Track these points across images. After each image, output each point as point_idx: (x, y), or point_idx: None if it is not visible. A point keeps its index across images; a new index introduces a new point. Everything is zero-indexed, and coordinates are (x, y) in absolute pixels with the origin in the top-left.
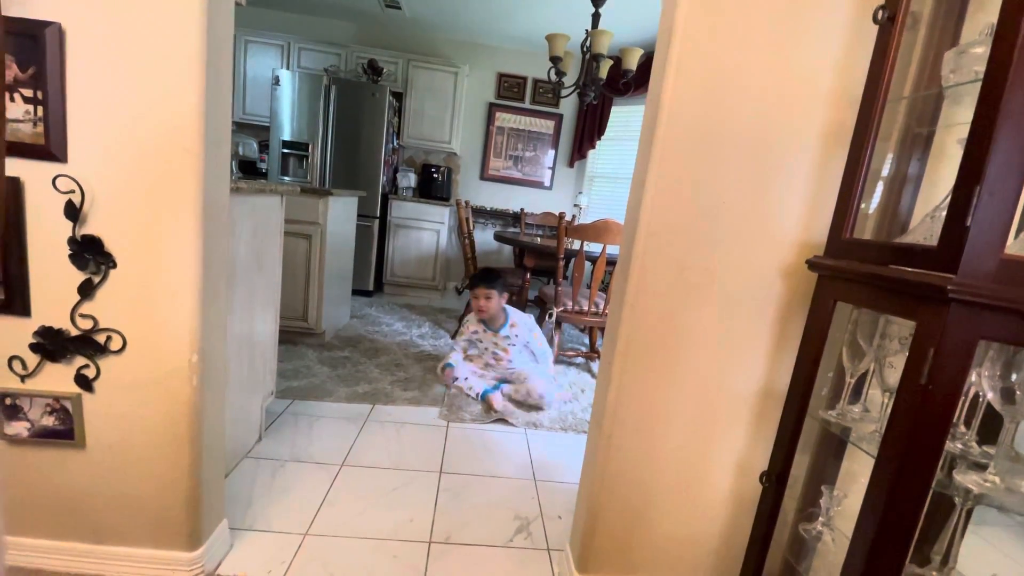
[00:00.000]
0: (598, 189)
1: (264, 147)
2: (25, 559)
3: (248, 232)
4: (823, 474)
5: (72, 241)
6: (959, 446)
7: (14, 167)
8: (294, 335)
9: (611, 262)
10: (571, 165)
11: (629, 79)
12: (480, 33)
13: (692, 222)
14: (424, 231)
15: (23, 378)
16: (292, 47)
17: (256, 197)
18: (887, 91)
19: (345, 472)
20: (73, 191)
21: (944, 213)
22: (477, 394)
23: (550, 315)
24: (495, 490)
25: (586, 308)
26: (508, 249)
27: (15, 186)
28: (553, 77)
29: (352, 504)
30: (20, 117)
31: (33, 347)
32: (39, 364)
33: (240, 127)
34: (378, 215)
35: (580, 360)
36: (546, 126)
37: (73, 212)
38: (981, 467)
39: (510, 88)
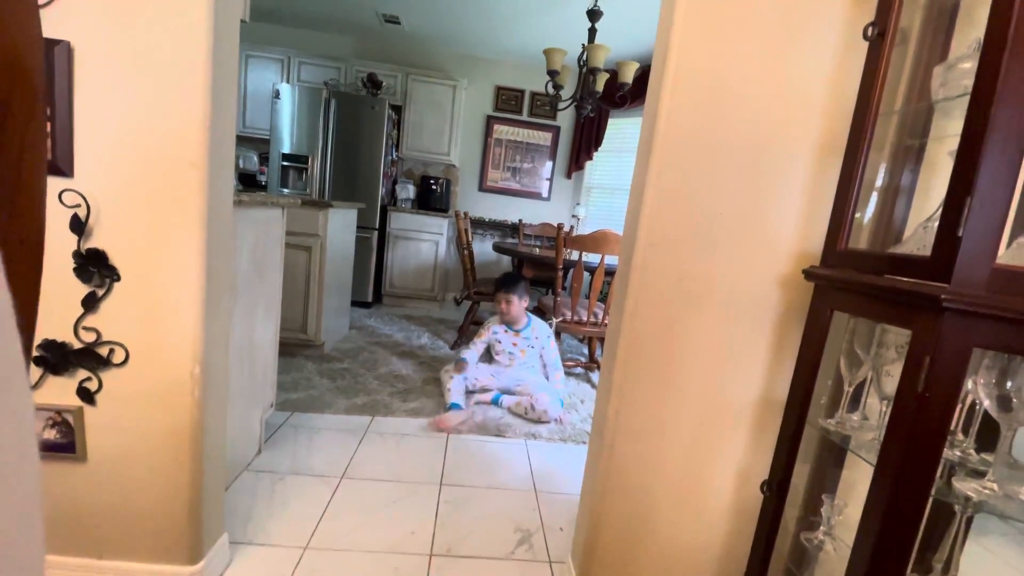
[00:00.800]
0: (596, 200)
1: (264, 160)
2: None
3: (249, 244)
4: (824, 483)
5: (77, 255)
6: (957, 454)
7: None
8: (294, 347)
9: (609, 272)
10: (569, 176)
11: (625, 92)
12: (478, 47)
13: (690, 232)
14: (423, 242)
15: None
16: (292, 61)
17: (257, 210)
18: (878, 105)
19: (345, 484)
20: (79, 205)
21: (937, 224)
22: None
23: (549, 325)
24: (496, 502)
25: (585, 318)
26: (507, 260)
27: None
28: (550, 90)
29: (352, 517)
30: None
31: (36, 360)
32: (42, 377)
33: (240, 140)
34: (377, 227)
35: (579, 370)
36: (544, 138)
37: (79, 226)
38: (980, 474)
39: (508, 101)
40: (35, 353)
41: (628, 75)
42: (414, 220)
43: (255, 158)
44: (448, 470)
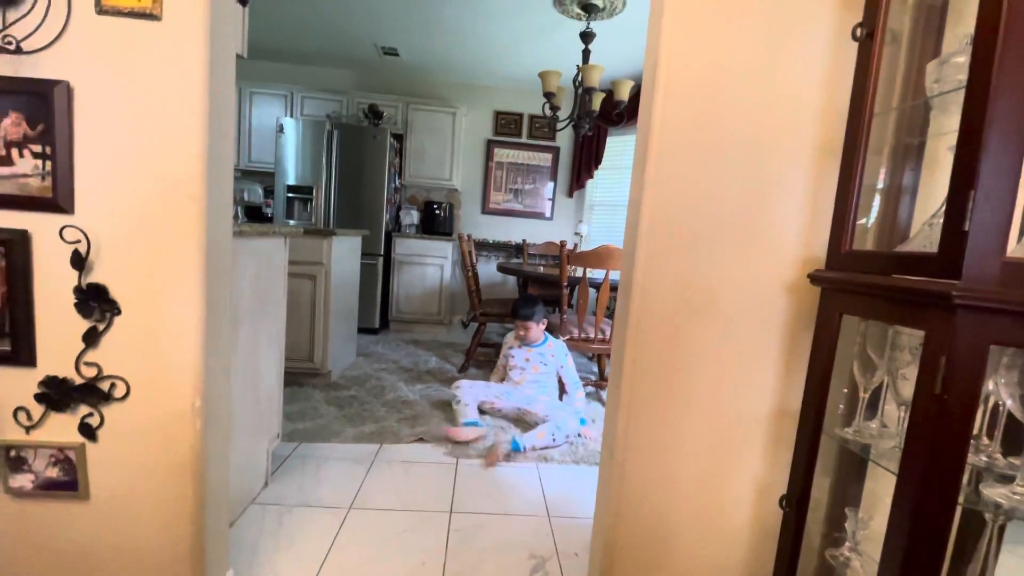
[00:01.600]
0: (598, 217)
1: (269, 192)
2: None
3: (252, 275)
4: (846, 496)
5: (78, 290)
6: (983, 458)
7: (22, 220)
8: (300, 376)
9: (615, 288)
10: (570, 195)
11: (622, 110)
12: (475, 75)
13: (691, 241)
14: (428, 266)
15: (28, 429)
16: (295, 96)
17: (259, 240)
18: (872, 105)
19: (353, 515)
20: (79, 241)
21: (942, 220)
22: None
23: None
24: (508, 528)
25: (592, 335)
26: (512, 280)
27: (23, 238)
28: (548, 112)
29: (362, 549)
30: (29, 172)
31: (38, 397)
32: (44, 414)
33: (246, 174)
34: (382, 253)
35: (590, 389)
36: (544, 159)
37: (79, 261)
38: (1009, 479)
39: (507, 125)
40: (37, 390)
41: (624, 93)
42: (418, 245)
43: (260, 191)
44: (458, 497)
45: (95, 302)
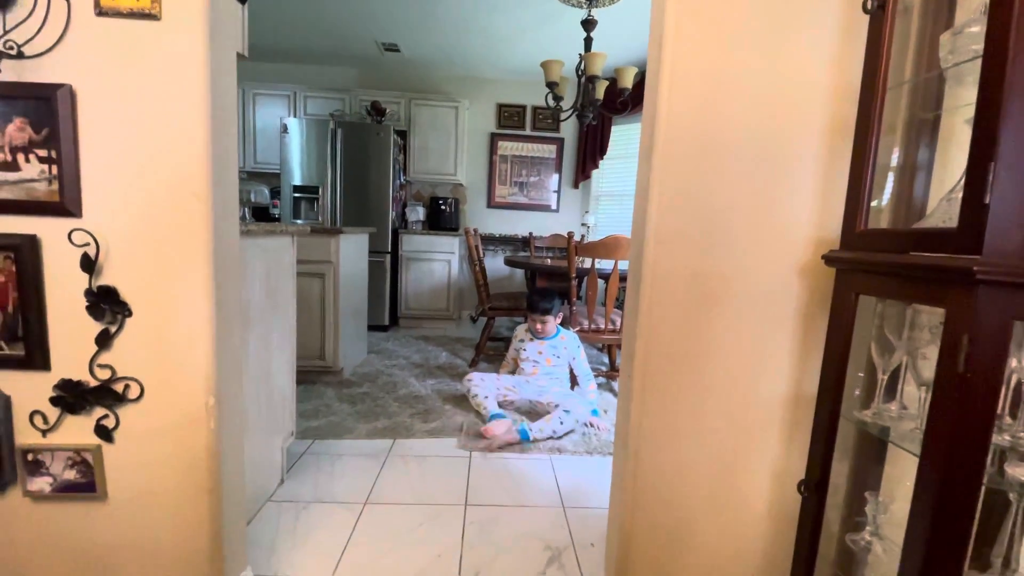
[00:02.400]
0: (605, 207)
1: (276, 193)
2: None
3: (261, 274)
4: (866, 480)
5: (89, 293)
6: (1007, 438)
7: (31, 225)
8: (312, 374)
9: (624, 278)
10: (576, 186)
11: (626, 98)
12: (477, 68)
13: (701, 227)
14: (435, 262)
15: (44, 432)
16: (298, 96)
17: (266, 239)
18: (885, 79)
19: (369, 511)
20: (88, 244)
21: (960, 195)
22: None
23: None
24: (523, 520)
25: (603, 326)
26: (520, 273)
27: (33, 243)
28: (551, 102)
29: (378, 544)
30: (35, 176)
31: (53, 400)
32: (59, 417)
33: (252, 176)
34: (390, 250)
35: (601, 380)
36: (548, 151)
37: (89, 264)
38: None
39: (510, 117)
40: (52, 394)
41: (628, 80)
42: (425, 241)
43: (267, 192)
44: (472, 490)
45: (106, 304)
